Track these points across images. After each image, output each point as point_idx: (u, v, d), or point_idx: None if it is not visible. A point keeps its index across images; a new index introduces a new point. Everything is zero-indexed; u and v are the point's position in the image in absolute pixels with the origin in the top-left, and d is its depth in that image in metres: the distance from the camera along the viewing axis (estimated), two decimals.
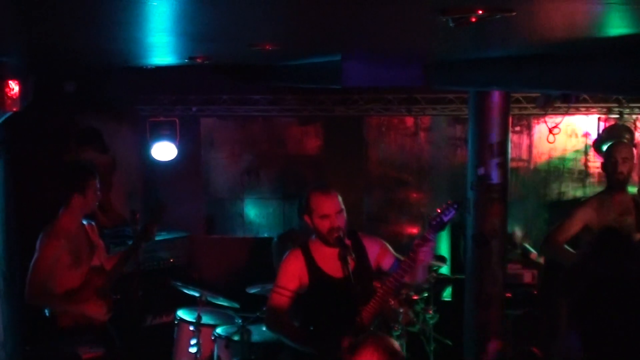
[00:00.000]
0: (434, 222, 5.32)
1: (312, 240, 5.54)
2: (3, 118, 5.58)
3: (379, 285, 5.43)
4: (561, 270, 7.25)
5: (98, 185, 6.47)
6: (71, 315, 6.38)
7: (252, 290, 7.90)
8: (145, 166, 10.02)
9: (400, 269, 5.33)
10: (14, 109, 4.87)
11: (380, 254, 5.62)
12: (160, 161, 9.50)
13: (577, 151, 10.37)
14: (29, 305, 6.41)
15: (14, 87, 4.78)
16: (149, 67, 7.73)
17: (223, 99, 9.75)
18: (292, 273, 5.48)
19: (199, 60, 6.19)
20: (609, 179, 6.97)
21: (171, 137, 9.34)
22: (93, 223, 6.76)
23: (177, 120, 9.46)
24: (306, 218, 5.48)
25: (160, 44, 4.79)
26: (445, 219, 5.31)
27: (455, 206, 5.34)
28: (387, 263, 5.59)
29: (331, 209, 5.35)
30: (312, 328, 5.46)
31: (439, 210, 5.34)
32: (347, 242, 5.42)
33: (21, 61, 6.03)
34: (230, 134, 10.43)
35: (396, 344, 4.35)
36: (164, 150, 9.39)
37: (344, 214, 5.41)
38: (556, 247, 6.78)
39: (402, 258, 5.43)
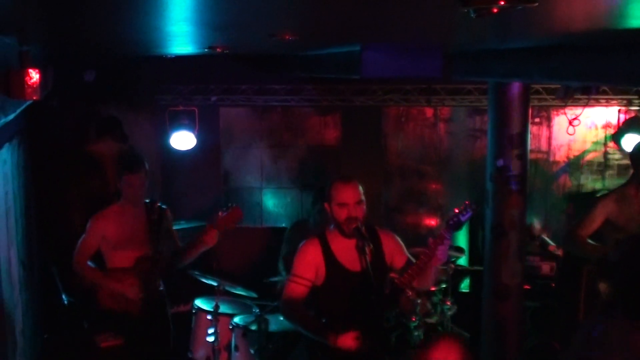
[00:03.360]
0: (451, 222, 5.31)
1: (330, 230, 5.53)
2: (23, 107, 5.59)
3: (396, 277, 5.43)
4: (581, 262, 7.24)
5: (144, 177, 6.57)
6: (113, 298, 6.52)
7: (270, 280, 7.91)
8: (164, 155, 10.03)
9: (416, 266, 5.33)
10: (34, 98, 4.88)
11: (395, 250, 5.61)
12: (179, 150, 9.52)
13: (596, 143, 10.32)
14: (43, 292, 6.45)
15: (34, 75, 4.79)
16: (169, 56, 7.73)
17: (242, 88, 9.76)
18: (309, 262, 5.47)
19: (218, 50, 6.19)
20: (636, 173, 6.86)
21: (190, 127, 9.35)
22: (168, 214, 6.87)
23: (196, 110, 9.48)
24: (326, 205, 5.48)
25: (181, 33, 4.79)
26: (463, 219, 5.30)
27: (474, 207, 5.33)
28: (400, 261, 5.58)
29: (349, 198, 5.34)
30: (325, 320, 5.45)
31: (457, 210, 5.33)
32: (364, 233, 5.43)
33: (42, 50, 6.05)
34: (249, 123, 10.43)
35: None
36: (183, 140, 9.41)
37: (364, 205, 5.40)
38: (579, 242, 6.71)
39: (414, 260, 5.42)
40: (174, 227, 7.09)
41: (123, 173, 6.51)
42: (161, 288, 6.85)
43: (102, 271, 6.58)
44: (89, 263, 6.59)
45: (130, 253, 6.50)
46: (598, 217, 6.70)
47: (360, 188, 5.43)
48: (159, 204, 6.69)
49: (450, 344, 4.20)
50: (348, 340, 5.19)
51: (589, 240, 6.70)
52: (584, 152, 10.34)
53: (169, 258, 6.67)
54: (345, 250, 5.42)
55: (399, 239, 5.70)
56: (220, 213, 6.51)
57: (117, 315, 6.53)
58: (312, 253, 5.49)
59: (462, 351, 4.18)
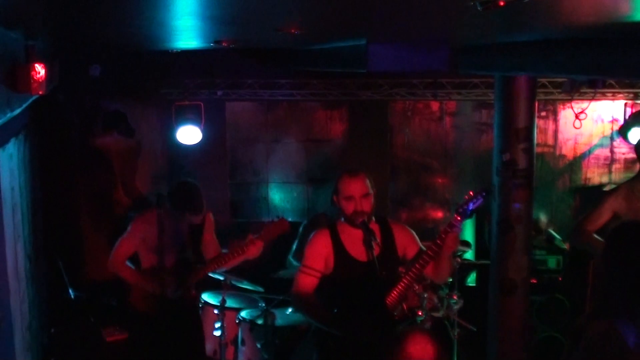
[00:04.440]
0: (461, 209, 5.30)
1: (340, 222, 5.54)
2: (29, 101, 5.60)
3: (404, 271, 5.43)
4: (587, 256, 7.22)
5: (196, 218, 6.55)
6: (143, 298, 6.54)
7: (277, 275, 7.92)
8: (171, 150, 10.04)
9: (427, 255, 5.33)
10: (40, 93, 4.88)
11: (408, 242, 5.61)
12: (186, 145, 9.51)
13: (603, 137, 10.30)
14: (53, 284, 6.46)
15: (40, 70, 4.79)
16: (175, 50, 7.74)
17: (248, 83, 9.76)
18: (319, 253, 5.48)
19: (224, 44, 6.19)
20: None
21: (196, 121, 9.35)
22: (210, 219, 6.86)
23: (202, 104, 9.47)
24: (334, 198, 5.49)
25: (186, 27, 4.79)
26: (473, 206, 5.29)
27: (484, 194, 5.33)
28: (412, 252, 5.58)
29: (356, 191, 5.35)
30: (335, 310, 5.46)
31: (467, 198, 5.32)
32: (375, 226, 5.43)
33: (48, 45, 6.05)
34: (255, 118, 10.43)
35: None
36: (189, 134, 9.41)
37: (371, 198, 5.41)
38: (586, 237, 6.67)
39: (425, 249, 5.43)
40: None
41: (184, 211, 6.45)
42: (194, 292, 6.90)
43: (138, 272, 6.58)
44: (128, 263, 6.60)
45: (169, 256, 6.46)
46: (606, 212, 6.65)
47: (368, 181, 5.43)
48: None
49: (423, 339, 4.15)
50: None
51: (596, 236, 6.66)
52: (591, 146, 10.32)
53: (209, 264, 6.64)
54: (354, 241, 5.43)
55: (412, 232, 5.71)
56: (266, 224, 6.51)
57: (149, 318, 6.55)
58: (322, 243, 5.51)
59: (436, 346, 4.14)
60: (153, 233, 6.39)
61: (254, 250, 6.43)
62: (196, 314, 6.99)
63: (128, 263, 6.56)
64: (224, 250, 6.75)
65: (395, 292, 5.36)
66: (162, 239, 6.35)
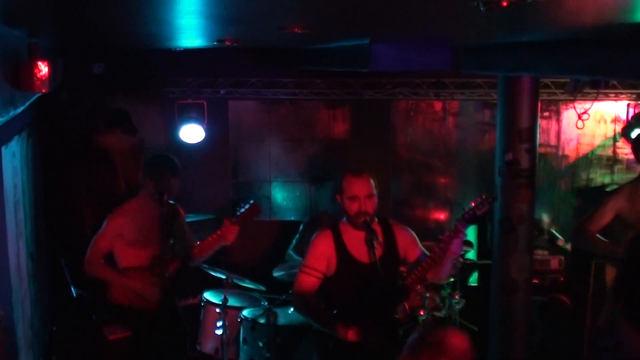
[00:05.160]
0: (467, 215, 5.31)
1: (343, 222, 5.55)
2: (32, 99, 5.60)
3: (406, 273, 5.43)
4: (590, 256, 7.21)
5: (176, 182, 6.59)
6: (124, 294, 6.51)
7: (279, 273, 7.92)
8: (173, 148, 10.01)
9: (430, 259, 5.33)
10: (43, 91, 4.89)
11: (409, 244, 5.62)
12: (188, 144, 9.52)
13: (606, 137, 10.29)
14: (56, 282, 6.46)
15: (43, 68, 4.80)
16: (178, 49, 7.74)
17: (251, 82, 9.76)
18: (321, 253, 5.48)
19: (227, 43, 6.19)
20: None
21: (199, 120, 9.36)
22: (181, 210, 6.88)
23: (205, 103, 9.48)
24: (338, 198, 5.49)
25: (189, 26, 4.79)
26: (479, 212, 5.30)
27: (490, 201, 5.34)
28: (413, 255, 5.59)
29: (360, 191, 5.35)
30: (335, 311, 5.46)
31: (474, 204, 5.33)
32: (377, 227, 5.43)
33: (51, 43, 6.05)
34: (258, 116, 10.42)
35: None
36: (192, 133, 9.41)
37: (375, 199, 5.41)
38: (588, 238, 6.67)
39: (429, 253, 5.43)
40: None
41: (165, 175, 6.48)
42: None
43: (117, 270, 6.51)
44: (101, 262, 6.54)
45: (145, 252, 6.43)
46: (608, 213, 6.65)
47: (372, 181, 5.43)
48: (168, 199, 6.62)
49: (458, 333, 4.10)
50: (355, 334, 5.22)
51: (599, 236, 6.66)
52: (593, 147, 10.32)
53: (184, 255, 6.62)
54: (357, 242, 5.43)
55: (413, 233, 5.71)
56: (238, 208, 6.51)
57: (127, 310, 6.52)
58: (324, 244, 5.50)
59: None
60: (130, 227, 6.42)
61: (229, 235, 6.42)
62: (172, 303, 6.90)
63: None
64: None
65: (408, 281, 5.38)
66: (138, 232, 6.38)
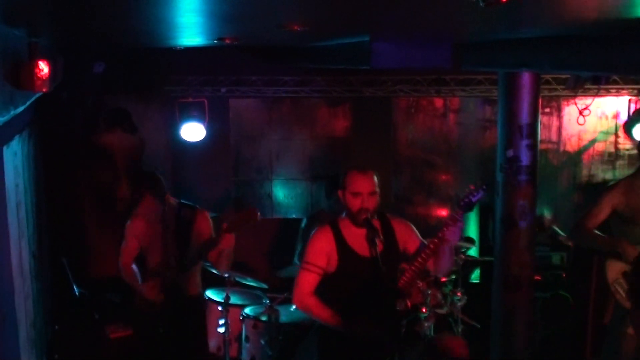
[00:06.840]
0: (462, 203, 5.31)
1: (342, 218, 5.54)
2: (33, 99, 5.61)
3: (406, 266, 5.43)
4: (591, 252, 7.21)
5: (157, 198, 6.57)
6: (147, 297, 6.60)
7: (281, 271, 7.92)
8: (174, 147, 10.04)
9: (428, 249, 5.33)
10: (44, 90, 4.89)
11: (407, 236, 5.61)
12: (189, 142, 9.51)
13: (607, 133, 10.29)
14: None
15: (43, 67, 4.80)
16: (178, 48, 7.74)
17: (252, 80, 9.75)
18: (322, 249, 5.48)
19: (227, 41, 6.19)
20: None
21: (200, 118, 9.35)
22: (203, 212, 6.86)
23: (206, 101, 9.47)
24: (340, 193, 5.49)
25: (189, 24, 4.79)
26: (474, 199, 5.29)
27: (484, 187, 5.33)
28: (413, 246, 5.59)
29: (364, 188, 5.35)
30: (338, 307, 5.46)
31: (468, 191, 5.33)
32: (376, 223, 5.43)
33: (51, 42, 6.06)
34: (258, 114, 10.42)
35: None
36: (192, 131, 9.41)
37: (377, 197, 5.41)
38: (586, 234, 6.68)
39: (427, 242, 5.43)
40: None
41: (146, 193, 6.53)
42: (199, 290, 6.96)
43: (137, 280, 6.64)
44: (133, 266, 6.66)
45: (155, 256, 6.50)
46: (605, 208, 6.65)
47: (376, 179, 5.44)
48: (187, 205, 6.62)
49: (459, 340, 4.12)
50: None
51: (597, 232, 6.66)
52: (595, 142, 10.31)
53: (189, 259, 6.61)
54: (357, 237, 5.43)
55: (411, 225, 5.71)
56: (234, 213, 6.49)
57: (154, 315, 6.56)
58: (324, 241, 5.50)
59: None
60: (145, 229, 6.51)
61: (226, 243, 6.34)
62: (200, 309, 6.97)
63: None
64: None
65: (404, 279, 5.37)
66: (155, 234, 6.38)
